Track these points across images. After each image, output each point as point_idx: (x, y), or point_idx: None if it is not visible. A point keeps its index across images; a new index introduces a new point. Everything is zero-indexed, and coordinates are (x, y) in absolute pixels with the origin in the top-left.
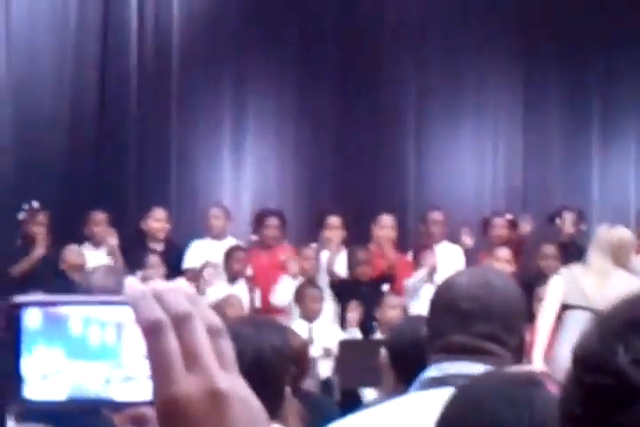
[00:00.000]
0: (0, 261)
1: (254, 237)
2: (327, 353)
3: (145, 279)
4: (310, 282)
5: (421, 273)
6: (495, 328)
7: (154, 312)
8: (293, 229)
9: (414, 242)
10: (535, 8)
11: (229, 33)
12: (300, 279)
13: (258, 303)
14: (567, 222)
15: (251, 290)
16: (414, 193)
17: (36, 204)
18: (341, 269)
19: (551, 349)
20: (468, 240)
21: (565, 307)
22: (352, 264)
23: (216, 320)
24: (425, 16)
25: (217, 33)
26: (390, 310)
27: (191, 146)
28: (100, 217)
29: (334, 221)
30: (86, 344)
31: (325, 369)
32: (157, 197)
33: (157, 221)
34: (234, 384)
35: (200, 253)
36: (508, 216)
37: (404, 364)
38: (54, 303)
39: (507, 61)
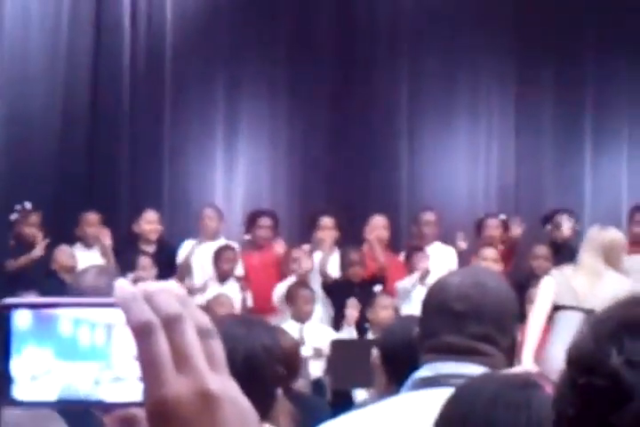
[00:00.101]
0: None
1: (247, 237)
2: (318, 353)
3: (136, 281)
4: (302, 283)
5: (414, 277)
6: (487, 329)
7: (144, 314)
8: (286, 229)
9: (407, 243)
10: (528, 8)
11: (222, 34)
12: (292, 280)
13: (249, 303)
14: (564, 227)
15: (242, 290)
16: (407, 193)
17: (28, 204)
18: (334, 270)
19: (542, 349)
20: (462, 245)
21: (557, 307)
22: (345, 265)
23: (206, 321)
24: (418, 17)
25: (210, 34)
26: (382, 311)
27: (184, 147)
28: (92, 218)
29: (327, 221)
30: (76, 345)
31: (316, 369)
32: (150, 197)
33: (149, 223)
34: (224, 385)
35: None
36: (502, 217)
37: (396, 364)
38: (44, 306)
39: (499, 62)
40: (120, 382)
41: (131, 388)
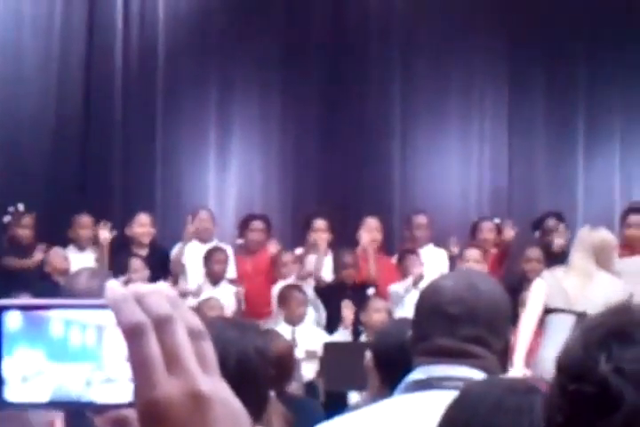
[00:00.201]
0: None
1: (239, 242)
2: (311, 356)
3: (127, 283)
4: (294, 285)
5: (407, 282)
6: (481, 331)
7: (135, 315)
8: (278, 231)
9: (399, 245)
10: (520, 10)
11: (215, 35)
12: (283, 283)
13: (242, 306)
14: (555, 244)
15: (237, 294)
16: (399, 196)
17: (21, 206)
18: (327, 273)
19: (534, 352)
20: (455, 250)
21: (548, 310)
22: (338, 268)
23: (197, 322)
24: (410, 18)
25: (202, 35)
26: (375, 314)
27: (176, 149)
28: (85, 220)
29: (320, 224)
30: (67, 346)
31: (309, 372)
32: (142, 200)
33: (142, 226)
34: (215, 387)
35: (186, 255)
36: (496, 220)
37: (389, 366)
38: (35, 307)
39: (492, 63)
40: (111, 384)
41: (122, 389)
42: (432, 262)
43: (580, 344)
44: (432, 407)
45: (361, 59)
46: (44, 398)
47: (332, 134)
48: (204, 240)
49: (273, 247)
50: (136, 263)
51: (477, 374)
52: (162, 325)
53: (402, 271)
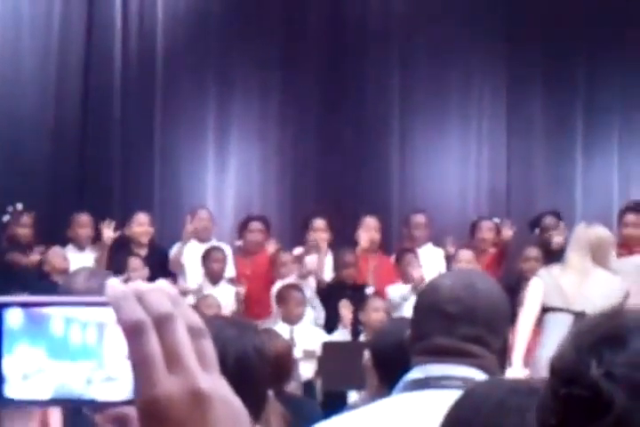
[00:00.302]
0: None
1: (238, 243)
2: (309, 355)
3: (127, 282)
4: (293, 285)
5: (407, 288)
6: (479, 330)
7: (135, 313)
8: (277, 231)
9: (397, 245)
10: (519, 10)
11: (214, 34)
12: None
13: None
14: (554, 242)
15: (237, 293)
16: (398, 195)
17: (19, 206)
18: (326, 272)
19: (532, 351)
20: (451, 250)
21: (546, 309)
22: (338, 267)
23: (197, 320)
24: (409, 19)
25: (201, 35)
26: (374, 313)
27: (175, 148)
28: (84, 219)
29: (320, 223)
30: (68, 344)
31: (307, 371)
32: (141, 199)
33: (140, 226)
34: (215, 385)
35: (185, 255)
36: (496, 220)
37: (388, 366)
38: (35, 304)
39: (490, 63)
40: (112, 382)
41: (122, 387)
42: (431, 262)
43: (572, 348)
44: (430, 407)
45: (360, 58)
46: (45, 396)
47: (331, 134)
48: (202, 240)
49: (272, 248)
50: (135, 262)
51: (476, 374)
52: (162, 323)
53: (400, 271)
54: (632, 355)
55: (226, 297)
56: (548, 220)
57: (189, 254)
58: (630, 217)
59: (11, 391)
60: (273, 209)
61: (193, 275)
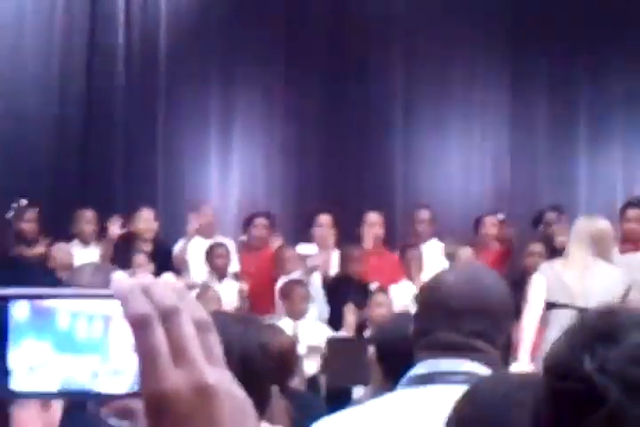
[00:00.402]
0: None
1: (243, 238)
2: (313, 351)
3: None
4: (298, 280)
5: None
6: (483, 326)
7: (142, 306)
8: (281, 227)
9: (401, 241)
10: (521, 7)
11: (217, 31)
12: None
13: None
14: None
15: (240, 291)
16: (401, 191)
17: (24, 201)
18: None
19: (537, 347)
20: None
21: (550, 305)
22: (345, 262)
23: (203, 314)
24: (412, 18)
25: (204, 32)
26: (378, 308)
27: (178, 144)
28: (89, 215)
29: (325, 219)
30: (73, 337)
31: (311, 367)
32: (144, 195)
33: (145, 221)
34: (221, 378)
35: (189, 251)
36: (500, 215)
37: (392, 361)
38: (41, 296)
39: (493, 60)
40: (118, 375)
41: (128, 380)
42: (435, 257)
43: (567, 345)
44: (435, 402)
45: (363, 56)
46: (51, 389)
47: (335, 130)
48: (206, 236)
49: (276, 244)
50: (140, 258)
51: (480, 369)
52: (168, 316)
53: (404, 266)
54: (625, 350)
55: (230, 293)
56: (550, 214)
57: (193, 251)
58: (632, 212)
59: (17, 384)
60: (276, 205)
61: (197, 271)
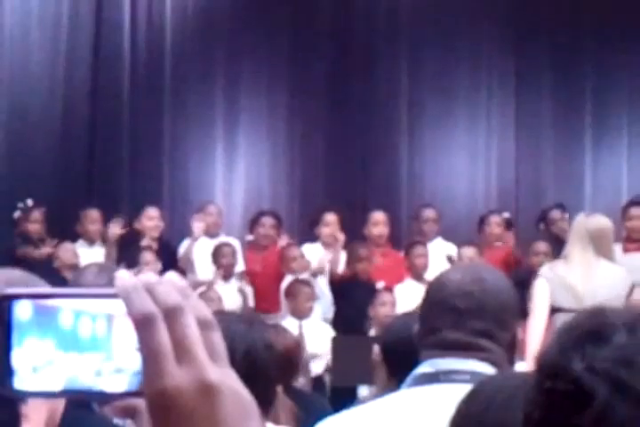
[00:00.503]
0: None
1: (249, 237)
2: (318, 350)
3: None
4: (303, 280)
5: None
6: (488, 324)
7: (145, 305)
8: (286, 226)
9: (407, 239)
10: (527, 4)
11: (222, 32)
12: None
13: (251, 302)
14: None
15: (242, 291)
16: (407, 190)
17: (30, 201)
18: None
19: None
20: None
21: (555, 309)
22: (352, 261)
23: (207, 313)
24: (417, 14)
25: (209, 30)
26: (382, 307)
27: (184, 144)
28: (93, 215)
29: (331, 218)
30: (77, 336)
31: (316, 367)
32: (150, 195)
33: (151, 220)
34: (225, 377)
35: (195, 251)
36: (505, 214)
37: (397, 360)
38: (45, 296)
39: (498, 58)
40: (121, 373)
41: (132, 379)
42: (440, 256)
43: (557, 345)
44: (440, 401)
45: (368, 53)
46: (55, 388)
47: (340, 129)
48: (211, 235)
49: (283, 243)
50: (147, 256)
51: (485, 368)
52: (172, 314)
53: (408, 263)
54: (614, 350)
55: (236, 293)
56: (554, 213)
57: (199, 250)
58: (634, 210)
59: (20, 384)
60: (282, 204)
61: (202, 270)
